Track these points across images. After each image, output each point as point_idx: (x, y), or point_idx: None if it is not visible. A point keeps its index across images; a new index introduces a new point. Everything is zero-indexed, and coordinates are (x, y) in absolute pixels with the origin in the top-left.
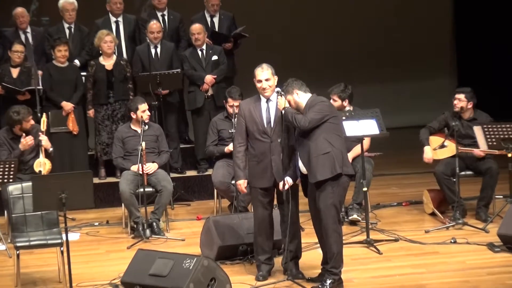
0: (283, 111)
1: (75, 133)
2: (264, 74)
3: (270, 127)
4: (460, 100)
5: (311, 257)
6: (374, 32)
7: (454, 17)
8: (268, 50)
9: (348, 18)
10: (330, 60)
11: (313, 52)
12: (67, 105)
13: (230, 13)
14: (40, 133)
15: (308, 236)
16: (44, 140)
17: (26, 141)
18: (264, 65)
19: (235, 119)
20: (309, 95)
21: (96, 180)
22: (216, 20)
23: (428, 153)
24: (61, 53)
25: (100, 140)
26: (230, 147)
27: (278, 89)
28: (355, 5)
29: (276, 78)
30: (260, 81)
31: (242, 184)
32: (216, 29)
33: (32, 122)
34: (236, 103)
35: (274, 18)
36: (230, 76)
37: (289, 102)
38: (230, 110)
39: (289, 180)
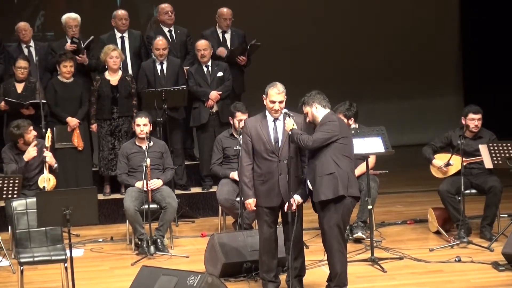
0: (290, 133)
1: (80, 148)
2: (280, 96)
3: (278, 146)
4: (479, 120)
5: (316, 275)
6: (380, 49)
7: (461, 34)
8: (274, 67)
9: (353, 36)
10: (336, 78)
11: (319, 69)
12: (72, 121)
13: (241, 31)
14: (44, 149)
15: (313, 254)
16: (49, 157)
17: (29, 152)
18: (280, 86)
19: (240, 136)
20: (327, 110)
21: (100, 197)
22: (228, 36)
23: (439, 163)
24: (66, 68)
25: (102, 156)
26: (234, 175)
27: (285, 110)
28: (360, 23)
29: (285, 99)
30: (274, 102)
31: (252, 203)
32: (228, 46)
33: (34, 132)
34: (244, 117)
35: (280, 35)
36: (238, 94)
37: (306, 114)
38: (237, 125)
39: (297, 198)
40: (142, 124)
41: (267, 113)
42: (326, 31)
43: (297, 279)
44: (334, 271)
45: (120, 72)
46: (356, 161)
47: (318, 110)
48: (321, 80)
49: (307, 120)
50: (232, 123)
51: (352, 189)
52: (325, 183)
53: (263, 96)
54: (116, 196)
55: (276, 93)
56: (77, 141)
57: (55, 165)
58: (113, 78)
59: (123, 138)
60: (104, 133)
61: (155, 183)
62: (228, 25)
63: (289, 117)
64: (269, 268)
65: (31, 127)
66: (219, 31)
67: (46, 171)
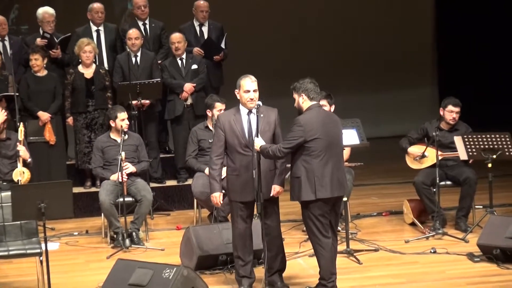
0: (259, 150)
1: (52, 143)
2: (253, 85)
3: (251, 140)
4: (457, 113)
5: (292, 268)
6: (356, 41)
7: (436, 26)
8: (251, 60)
9: (329, 27)
10: (311, 70)
11: (293, 61)
12: (44, 115)
13: (219, 23)
14: (18, 143)
15: (289, 246)
16: (22, 151)
17: None
18: (252, 76)
19: (214, 131)
20: (312, 103)
21: (81, 190)
22: (205, 29)
23: (415, 150)
24: (32, 62)
25: (79, 149)
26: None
27: (259, 102)
28: (336, 15)
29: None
30: (248, 91)
31: (218, 197)
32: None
33: None
34: (224, 107)
35: (257, 28)
36: (216, 87)
37: (294, 99)
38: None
39: (276, 188)
40: (126, 118)
41: (240, 107)
42: (301, 24)
43: (278, 274)
44: (318, 264)
45: (94, 65)
46: None
47: (304, 102)
48: (296, 72)
49: (295, 105)
50: (209, 115)
51: (321, 192)
52: (293, 185)
53: (236, 90)
54: (91, 189)
55: (249, 82)
56: (49, 135)
57: (29, 160)
58: (87, 71)
59: (98, 130)
60: (80, 126)
61: (128, 166)
62: (204, 17)
63: (257, 135)
64: (243, 263)
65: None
66: (196, 24)
67: (20, 165)
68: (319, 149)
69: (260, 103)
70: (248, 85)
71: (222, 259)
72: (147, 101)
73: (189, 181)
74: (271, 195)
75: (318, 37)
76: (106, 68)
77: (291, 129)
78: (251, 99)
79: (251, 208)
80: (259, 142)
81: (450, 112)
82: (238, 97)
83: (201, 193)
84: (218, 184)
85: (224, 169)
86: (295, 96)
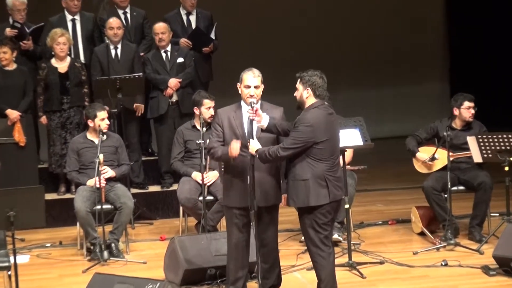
0: (256, 155)
1: (21, 144)
2: (255, 81)
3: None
4: (474, 109)
5: (288, 282)
6: (359, 34)
7: (447, 21)
8: (244, 53)
9: (333, 22)
10: (310, 64)
11: (292, 54)
12: (12, 114)
13: (208, 12)
14: None
15: (284, 259)
16: None
17: None
18: (255, 70)
19: (204, 129)
20: (316, 100)
21: (54, 196)
22: (193, 18)
23: (423, 156)
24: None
25: (54, 151)
26: (197, 177)
27: (252, 100)
28: (340, 9)
29: (262, 86)
30: (248, 86)
31: (236, 143)
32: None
33: None
34: (213, 104)
35: (251, 18)
36: (204, 82)
37: (296, 89)
38: (206, 114)
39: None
40: (106, 118)
41: (242, 103)
42: (300, 15)
43: None
44: (318, 277)
45: (68, 59)
46: None
47: (308, 97)
48: (294, 65)
49: (294, 94)
50: (197, 113)
51: (334, 194)
52: (297, 189)
53: (238, 84)
54: (66, 196)
55: (251, 76)
56: (18, 136)
57: None
58: (61, 65)
59: (74, 130)
60: (54, 126)
61: (106, 170)
62: (192, 4)
63: (252, 139)
64: (235, 278)
65: None
66: (183, 12)
67: None
68: (327, 150)
69: (254, 100)
70: (249, 80)
71: (210, 273)
72: (141, 105)
73: (174, 187)
74: (282, 204)
75: (318, 29)
76: (83, 61)
77: (296, 128)
78: (251, 96)
79: (248, 215)
80: (255, 145)
81: (468, 109)
82: (240, 91)
83: (188, 200)
84: (226, 146)
85: (215, 173)
86: (300, 86)
